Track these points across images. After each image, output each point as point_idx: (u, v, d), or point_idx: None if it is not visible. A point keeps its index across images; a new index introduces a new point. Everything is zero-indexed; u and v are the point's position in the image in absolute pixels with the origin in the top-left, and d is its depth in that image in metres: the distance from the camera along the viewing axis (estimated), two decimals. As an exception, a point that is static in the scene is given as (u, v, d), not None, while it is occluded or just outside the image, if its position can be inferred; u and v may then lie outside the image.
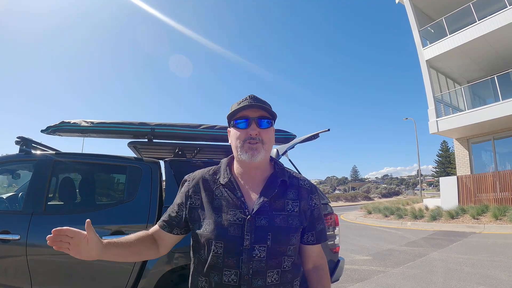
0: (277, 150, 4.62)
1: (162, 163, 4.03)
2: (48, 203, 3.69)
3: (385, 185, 67.74)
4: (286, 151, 4.56)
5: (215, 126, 4.34)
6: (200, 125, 4.31)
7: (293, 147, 4.64)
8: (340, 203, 43.36)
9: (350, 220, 19.55)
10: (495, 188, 15.57)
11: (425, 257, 8.37)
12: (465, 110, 17.80)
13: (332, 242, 4.21)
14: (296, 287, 1.60)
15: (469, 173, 18.33)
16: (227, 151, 4.93)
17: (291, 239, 1.54)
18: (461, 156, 19.78)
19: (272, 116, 1.65)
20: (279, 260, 1.51)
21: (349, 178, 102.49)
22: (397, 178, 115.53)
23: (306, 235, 1.66)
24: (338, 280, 4.44)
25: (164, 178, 3.91)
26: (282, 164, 1.79)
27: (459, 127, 17.53)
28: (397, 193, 53.23)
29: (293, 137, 4.77)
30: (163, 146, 4.56)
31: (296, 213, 1.59)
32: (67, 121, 4.02)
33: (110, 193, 4.58)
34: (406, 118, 42.66)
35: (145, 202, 3.62)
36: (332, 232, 4.20)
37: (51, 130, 4.02)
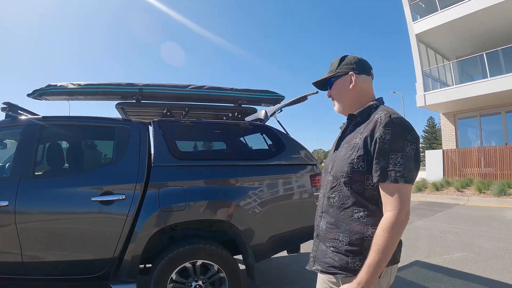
0: (265, 111, 4.49)
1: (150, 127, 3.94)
2: (36, 167, 3.56)
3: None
4: (274, 113, 4.44)
5: (203, 86, 4.22)
6: (189, 85, 4.18)
7: (281, 110, 4.48)
8: None
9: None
10: (479, 163, 15.53)
11: (410, 225, 8.27)
12: (453, 85, 17.63)
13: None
14: (357, 216, 1.61)
15: (455, 147, 18.23)
16: (216, 111, 4.78)
17: (344, 167, 1.65)
18: (448, 131, 19.66)
19: (333, 74, 1.86)
20: (338, 185, 1.68)
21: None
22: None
23: (372, 170, 1.58)
24: None
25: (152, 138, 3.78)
26: (377, 103, 1.79)
27: (446, 101, 17.36)
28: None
29: (281, 98, 4.65)
30: (151, 107, 4.43)
31: (357, 145, 1.63)
32: (53, 84, 3.85)
33: (99, 154, 4.41)
34: (394, 92, 42.62)
35: (133, 162, 3.55)
36: (318, 193, 4.05)
37: (38, 94, 3.85)
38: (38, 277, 3.37)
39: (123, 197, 3.39)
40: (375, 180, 1.55)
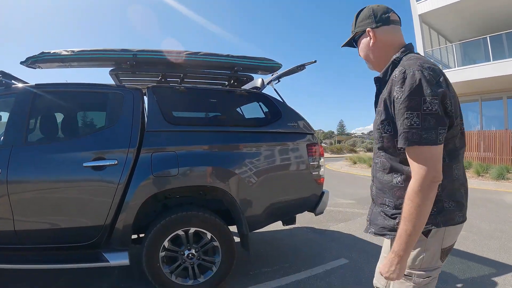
0: (262, 79, 4.41)
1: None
2: (29, 134, 3.51)
3: (371, 141, 67.89)
4: (271, 81, 4.34)
5: (199, 52, 4.09)
6: (184, 51, 4.05)
7: (279, 80, 4.40)
8: (326, 155, 41.68)
9: (335, 169, 19.40)
10: (479, 148, 15.44)
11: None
12: (455, 67, 17.37)
13: (317, 173, 4.07)
14: (396, 181, 1.56)
15: (455, 131, 18.02)
16: (212, 79, 4.75)
17: (375, 133, 1.62)
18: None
19: (353, 36, 1.78)
20: (378, 150, 1.65)
21: (336, 133, 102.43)
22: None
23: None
24: (322, 212, 4.26)
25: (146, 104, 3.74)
26: (400, 56, 1.62)
27: (449, 83, 16.93)
28: (381, 149, 53.07)
29: (278, 66, 4.53)
30: (146, 73, 4.34)
31: (380, 109, 1.55)
32: (47, 51, 3.75)
33: (92, 120, 4.35)
34: None
35: (126, 128, 3.50)
36: (317, 163, 4.04)
37: (31, 61, 3.76)
38: (31, 245, 3.34)
39: (115, 163, 3.33)
40: (398, 145, 1.45)
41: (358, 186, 11.94)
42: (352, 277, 4.00)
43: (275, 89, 4.45)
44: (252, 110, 4.27)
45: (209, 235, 3.54)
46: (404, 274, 1.51)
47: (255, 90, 4.35)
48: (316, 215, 4.23)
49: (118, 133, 3.48)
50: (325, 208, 4.26)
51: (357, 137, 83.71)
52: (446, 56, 19.22)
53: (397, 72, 1.47)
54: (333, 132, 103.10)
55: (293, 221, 4.33)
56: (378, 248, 4.59)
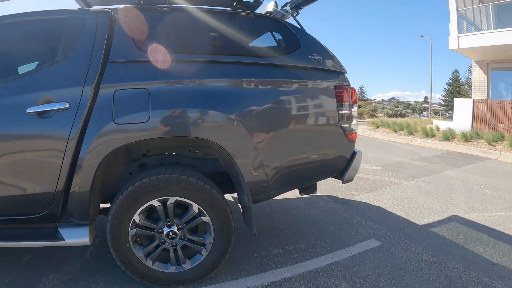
0: (275, 2, 3.41)
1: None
2: None
3: (391, 107, 66.14)
4: (287, 4, 3.40)
5: None
6: None
7: (297, 11, 3.48)
8: None
9: (357, 133, 18.08)
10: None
11: (440, 174, 7.15)
12: (491, 29, 15.84)
13: (348, 125, 3.01)
14: None
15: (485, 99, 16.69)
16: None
17: None
18: (479, 81, 17.99)
19: None
20: None
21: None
22: (403, 102, 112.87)
23: None
24: (351, 180, 3.26)
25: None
26: None
27: (480, 47, 15.57)
28: (403, 116, 51.38)
29: None
30: None
31: None
32: None
33: (40, 54, 3.13)
34: (422, 36, 42.96)
35: (84, 60, 2.57)
36: (348, 112, 3.00)
37: None
38: None
39: (66, 106, 2.43)
40: None
41: (383, 151, 10.75)
42: (388, 266, 3.02)
43: (293, 16, 3.35)
44: (261, 40, 3.19)
45: (195, 207, 2.59)
46: None
47: (265, 14, 3.29)
48: (343, 182, 3.20)
49: (73, 67, 2.56)
50: (355, 174, 3.24)
51: (377, 103, 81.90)
52: (479, 19, 17.70)
53: None
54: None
55: (313, 189, 3.33)
56: (414, 227, 3.71)
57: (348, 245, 3.41)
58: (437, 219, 4.23)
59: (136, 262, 2.59)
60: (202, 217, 2.61)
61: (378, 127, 18.76)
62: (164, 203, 2.55)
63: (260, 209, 4.33)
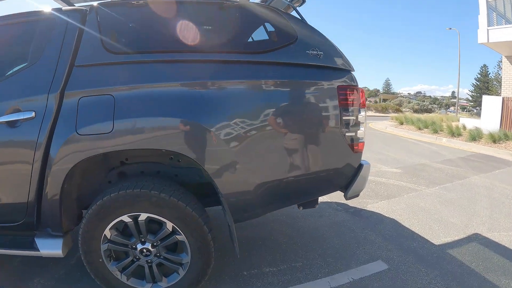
0: None
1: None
2: None
3: (417, 102, 64.53)
4: None
5: None
6: None
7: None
8: (370, 113, 40.43)
9: (379, 129, 17.58)
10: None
11: (464, 180, 6.60)
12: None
13: (353, 133, 2.57)
14: None
15: (516, 97, 15.85)
16: None
17: None
18: (509, 77, 17.19)
19: None
20: None
21: (381, 91, 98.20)
22: (430, 96, 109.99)
23: None
24: (357, 195, 2.81)
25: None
26: None
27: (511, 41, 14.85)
28: (429, 111, 49.96)
29: None
30: None
31: None
32: None
33: (12, 61, 2.87)
34: (450, 28, 42.14)
35: (51, 65, 2.36)
36: (354, 117, 2.55)
37: None
38: None
39: (32, 115, 2.28)
40: None
41: (405, 151, 10.22)
42: (391, 297, 2.63)
43: (295, 9, 2.91)
44: (251, 34, 2.84)
45: (169, 225, 2.29)
46: None
47: (257, 3, 2.84)
48: (347, 199, 2.79)
49: (40, 73, 2.38)
50: (361, 190, 2.81)
51: (403, 97, 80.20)
52: (510, 12, 16.77)
53: None
54: (378, 90, 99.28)
55: (313, 204, 2.90)
56: (430, 247, 3.35)
57: (350, 267, 3.04)
58: (456, 238, 3.79)
59: (110, 277, 2.43)
60: (177, 236, 2.31)
61: (402, 123, 18.19)
62: (135, 219, 2.28)
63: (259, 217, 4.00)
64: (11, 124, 2.27)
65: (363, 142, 2.64)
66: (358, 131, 2.57)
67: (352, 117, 2.51)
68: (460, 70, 35.38)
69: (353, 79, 2.61)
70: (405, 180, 6.35)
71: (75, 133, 2.17)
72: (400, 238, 3.71)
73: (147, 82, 2.27)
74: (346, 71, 2.60)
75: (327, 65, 2.53)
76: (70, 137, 2.18)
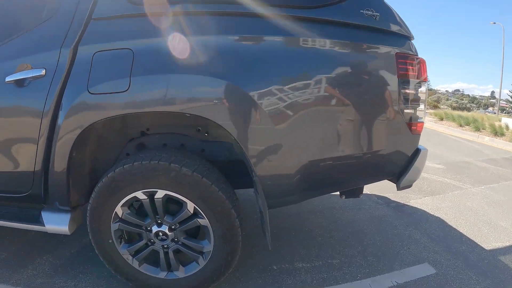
0: None
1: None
2: None
3: (456, 99, 62.50)
4: None
5: None
6: None
7: None
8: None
9: (417, 124, 16.86)
10: None
11: (511, 182, 6.05)
12: None
13: (412, 111, 2.17)
14: None
15: None
16: None
17: None
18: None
19: None
20: None
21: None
22: (468, 95, 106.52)
23: None
24: (410, 186, 2.39)
25: None
26: None
27: None
28: (468, 109, 48.15)
29: None
30: None
31: None
32: None
33: (23, 18, 2.58)
34: (494, 23, 40.27)
35: (66, 19, 2.07)
36: (414, 92, 2.14)
37: None
38: None
39: (42, 73, 2.00)
40: None
41: (446, 147, 9.61)
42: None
43: None
44: None
45: (190, 206, 1.95)
46: None
47: None
48: (399, 189, 2.35)
49: (55, 27, 2.09)
50: (416, 179, 2.38)
51: (441, 94, 77.91)
52: None
53: None
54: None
55: (358, 193, 2.51)
56: (480, 251, 3.14)
57: (393, 269, 2.65)
58: (508, 244, 3.32)
59: (119, 260, 2.15)
60: (198, 219, 1.98)
61: (442, 119, 17.48)
62: (151, 196, 1.97)
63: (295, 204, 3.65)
64: (19, 83, 2.02)
65: (423, 123, 2.22)
66: (418, 109, 2.16)
67: (412, 91, 2.10)
68: (503, 68, 33.81)
69: (413, 48, 2.19)
70: (449, 176, 5.86)
71: (86, 91, 1.87)
72: (447, 239, 3.29)
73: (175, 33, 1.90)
74: (405, 37, 2.18)
75: (384, 28, 2.10)
76: (80, 97, 1.89)
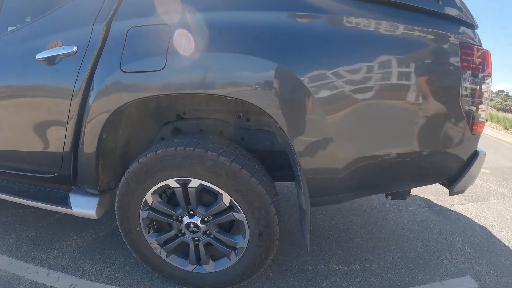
0: None
1: None
2: None
3: (500, 100, 60.01)
4: None
5: None
6: None
7: None
8: None
9: (458, 124, 16.24)
10: None
11: None
12: None
13: (474, 109, 1.93)
14: None
15: None
16: None
17: None
18: None
19: None
20: None
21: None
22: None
23: None
24: (463, 191, 2.15)
25: None
26: None
27: None
28: (512, 112, 46.36)
29: None
30: None
31: None
32: None
33: None
34: None
35: None
36: (477, 86, 1.90)
37: None
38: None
39: (74, 50, 1.94)
40: None
41: (491, 150, 9.09)
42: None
43: None
44: None
45: (226, 198, 1.82)
46: None
47: None
48: (452, 194, 2.11)
49: (88, 2, 2.01)
50: (471, 184, 2.14)
51: (484, 94, 75.07)
52: None
53: None
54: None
55: (405, 195, 2.30)
56: None
57: (434, 279, 2.45)
58: None
59: (146, 250, 2.09)
60: (234, 213, 1.86)
61: (486, 121, 16.77)
62: (184, 185, 1.85)
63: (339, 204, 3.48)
64: (50, 60, 1.97)
65: (484, 123, 2.00)
66: (481, 106, 1.93)
67: (476, 86, 1.87)
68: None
69: (476, 38, 1.95)
70: (494, 182, 5.52)
71: (119, 69, 1.76)
72: (492, 251, 3.03)
73: (218, 10, 1.75)
74: (469, 25, 1.92)
75: (448, 13, 1.87)
76: (112, 75, 1.79)
